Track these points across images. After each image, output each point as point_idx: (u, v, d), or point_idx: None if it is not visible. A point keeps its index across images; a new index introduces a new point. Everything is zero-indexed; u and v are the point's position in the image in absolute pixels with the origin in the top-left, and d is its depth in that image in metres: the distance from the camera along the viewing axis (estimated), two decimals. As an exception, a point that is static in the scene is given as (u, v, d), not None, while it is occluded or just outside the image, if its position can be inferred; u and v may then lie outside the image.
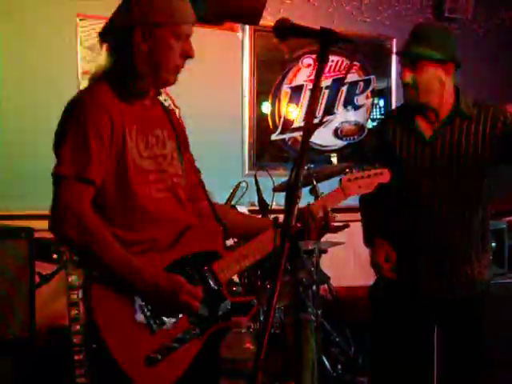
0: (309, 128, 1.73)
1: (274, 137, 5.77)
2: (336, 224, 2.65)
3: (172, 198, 2.46)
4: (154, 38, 2.37)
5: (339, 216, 2.69)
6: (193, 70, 5.18)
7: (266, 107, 5.73)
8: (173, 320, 2.32)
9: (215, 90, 5.48)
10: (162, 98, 5.13)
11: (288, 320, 3.79)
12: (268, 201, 4.16)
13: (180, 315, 2.33)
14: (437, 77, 3.14)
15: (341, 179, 2.78)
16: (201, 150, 5.15)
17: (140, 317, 2.27)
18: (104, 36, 2.47)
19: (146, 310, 2.28)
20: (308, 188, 4.51)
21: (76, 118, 2.28)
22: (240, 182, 4.00)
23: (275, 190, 4.30)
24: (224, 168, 5.29)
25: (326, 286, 5.39)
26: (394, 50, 6.17)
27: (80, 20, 4.79)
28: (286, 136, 5.82)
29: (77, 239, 2.21)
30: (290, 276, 3.83)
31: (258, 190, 3.98)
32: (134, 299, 2.27)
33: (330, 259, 5.48)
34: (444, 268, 3.27)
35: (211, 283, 2.42)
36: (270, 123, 5.76)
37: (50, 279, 3.77)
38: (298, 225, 1.94)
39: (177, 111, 5.33)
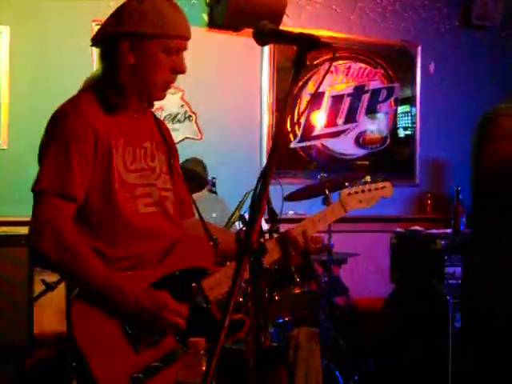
0: (278, 137, 1.64)
1: (293, 144, 5.68)
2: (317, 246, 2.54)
3: (160, 212, 2.38)
4: (142, 51, 2.29)
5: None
6: (210, 76, 5.28)
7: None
8: (158, 339, 2.24)
9: (233, 96, 5.43)
10: (178, 103, 5.18)
11: (293, 333, 3.69)
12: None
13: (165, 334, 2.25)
14: None
15: (340, 193, 2.67)
16: (218, 156, 5.19)
17: (123, 335, 2.19)
18: (95, 43, 2.41)
19: (128, 329, 2.20)
20: (321, 198, 4.44)
21: (58, 132, 2.23)
22: (248, 192, 3.91)
23: (286, 198, 4.22)
24: (241, 176, 5.22)
25: (344, 297, 5.31)
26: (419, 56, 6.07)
27: (96, 25, 4.76)
28: (306, 144, 5.72)
29: (55, 256, 2.15)
30: (300, 288, 3.75)
31: (268, 199, 3.89)
32: (116, 317, 2.19)
33: (349, 270, 5.39)
34: None
35: (200, 301, 2.33)
36: (290, 131, 5.66)
37: (55, 287, 3.73)
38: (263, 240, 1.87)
39: (193, 117, 5.29)
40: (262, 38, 1.86)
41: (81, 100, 2.30)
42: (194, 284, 2.34)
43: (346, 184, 2.69)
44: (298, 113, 5.63)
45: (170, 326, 2.22)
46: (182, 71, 2.36)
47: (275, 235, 2.52)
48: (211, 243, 2.46)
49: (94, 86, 2.34)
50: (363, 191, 2.69)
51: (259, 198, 1.53)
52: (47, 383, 3.60)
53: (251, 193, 3.92)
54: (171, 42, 2.30)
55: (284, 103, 1.71)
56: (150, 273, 2.29)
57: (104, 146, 2.25)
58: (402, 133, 6.17)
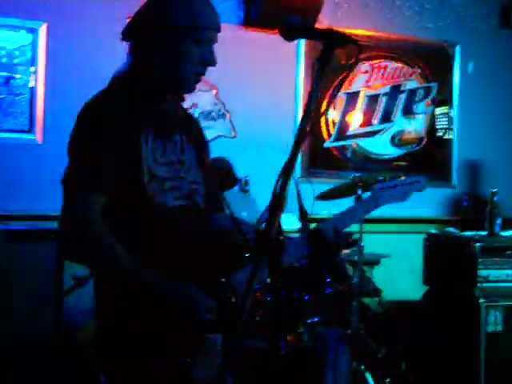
0: (301, 134, 1.62)
1: (327, 144, 5.64)
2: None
3: (189, 206, 2.36)
4: (172, 44, 2.27)
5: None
6: (245, 74, 5.26)
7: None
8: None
9: (268, 94, 5.40)
10: (212, 101, 5.18)
11: (322, 334, 3.66)
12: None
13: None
14: None
15: (373, 187, 2.69)
16: (252, 155, 5.17)
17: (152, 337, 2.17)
18: (125, 36, 2.40)
19: (158, 331, 2.16)
20: (353, 198, 4.40)
21: (88, 125, 2.20)
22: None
23: (318, 198, 4.19)
24: (275, 175, 5.20)
25: (377, 299, 5.26)
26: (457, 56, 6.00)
27: (130, 22, 4.79)
28: (340, 143, 5.68)
29: (85, 250, 2.14)
30: (331, 288, 3.72)
31: (299, 198, 3.87)
32: (146, 317, 2.16)
33: (383, 271, 5.34)
34: None
35: (229, 296, 2.29)
36: (324, 130, 5.63)
37: (85, 282, 3.75)
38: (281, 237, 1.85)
39: (228, 115, 5.28)
40: (288, 33, 1.84)
41: (112, 92, 2.29)
42: (223, 279, 2.31)
43: (379, 179, 2.70)
44: (333, 113, 5.63)
45: (198, 318, 2.18)
46: (213, 63, 2.33)
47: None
48: (241, 238, 2.44)
49: (123, 80, 2.33)
50: (395, 186, 2.71)
51: (279, 195, 1.51)
52: (74, 379, 3.61)
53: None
54: (201, 34, 2.27)
55: (308, 100, 1.68)
56: (179, 267, 2.24)
57: (134, 139, 2.23)
58: (439, 133, 6.10)
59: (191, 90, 2.38)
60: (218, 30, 2.34)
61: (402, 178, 2.77)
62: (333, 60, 1.78)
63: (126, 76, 2.32)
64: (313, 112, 1.64)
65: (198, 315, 2.17)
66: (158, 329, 2.15)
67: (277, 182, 1.55)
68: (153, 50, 2.27)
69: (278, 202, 1.49)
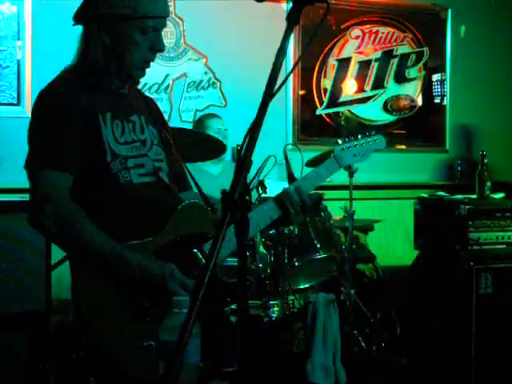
0: (266, 96, 1.62)
1: (319, 111, 5.62)
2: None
3: (154, 182, 2.37)
4: (115, 32, 2.26)
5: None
6: (235, 42, 5.22)
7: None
8: (164, 306, 2.23)
9: (258, 62, 5.36)
10: (202, 70, 5.16)
11: (311, 299, 3.69)
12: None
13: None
14: None
15: (333, 149, 2.73)
16: (243, 124, 5.12)
17: (130, 305, 2.18)
18: (76, 20, 2.38)
19: (135, 298, 2.18)
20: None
21: (45, 109, 2.23)
22: (269, 157, 3.88)
23: (307, 165, 4.18)
24: (266, 142, 5.19)
25: (371, 264, 5.28)
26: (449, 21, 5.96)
27: None
28: (332, 110, 5.67)
29: (57, 230, 2.13)
30: (319, 254, 3.74)
31: (288, 166, 3.86)
32: (121, 287, 2.17)
33: (378, 237, 5.36)
34: None
35: (202, 266, 2.29)
36: (316, 97, 5.61)
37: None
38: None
39: (218, 84, 5.27)
40: None
41: (66, 79, 2.30)
42: (194, 250, 2.32)
43: (339, 140, 2.74)
44: (324, 79, 5.61)
45: (174, 295, 2.20)
46: (161, 49, 2.33)
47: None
48: (210, 208, 2.45)
49: (73, 68, 2.33)
50: (356, 146, 2.75)
51: (244, 157, 1.50)
52: (63, 350, 3.63)
53: (271, 158, 3.93)
54: (146, 23, 2.26)
55: (276, 60, 1.68)
56: (150, 241, 2.27)
57: (91, 121, 2.24)
58: (431, 98, 6.08)
59: (140, 76, 2.38)
60: (165, 16, 2.32)
61: (360, 137, 2.78)
62: (299, 20, 1.76)
63: (78, 62, 2.32)
64: (278, 73, 1.63)
65: (175, 291, 2.18)
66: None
67: (242, 145, 1.55)
68: (101, 36, 2.26)
69: (242, 164, 1.48)
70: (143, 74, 2.36)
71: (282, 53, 1.64)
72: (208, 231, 2.37)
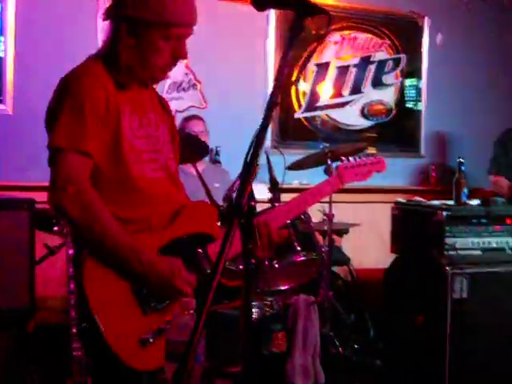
0: (272, 101, 1.66)
1: (297, 115, 5.67)
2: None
3: (166, 178, 2.41)
4: (141, 36, 2.27)
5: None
6: (216, 44, 5.25)
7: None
8: (166, 302, 2.26)
9: (239, 65, 5.42)
10: (183, 71, 5.17)
11: (291, 301, 3.73)
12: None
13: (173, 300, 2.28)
14: None
15: (337, 167, 2.88)
16: (222, 126, 5.18)
17: (132, 297, 2.21)
18: (106, 16, 2.39)
19: (138, 291, 2.22)
20: (323, 167, 4.46)
21: (70, 91, 2.23)
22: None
23: (288, 168, 4.24)
24: (246, 145, 5.22)
25: (345, 267, 5.34)
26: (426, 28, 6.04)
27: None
28: (310, 114, 5.72)
29: (76, 213, 2.14)
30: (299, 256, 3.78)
31: (270, 169, 3.90)
32: (127, 279, 2.20)
33: (352, 240, 5.41)
34: None
35: (205, 267, 2.35)
36: (295, 101, 5.66)
37: (57, 251, 3.76)
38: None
39: (198, 86, 5.29)
40: (259, 2, 1.85)
41: (92, 64, 2.31)
42: (199, 250, 2.36)
43: (343, 158, 2.86)
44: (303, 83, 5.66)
45: (179, 293, 2.24)
46: (183, 57, 2.34)
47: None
48: (216, 209, 2.50)
49: (101, 58, 2.34)
50: (359, 165, 2.92)
51: (251, 163, 1.54)
52: (48, 346, 3.64)
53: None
54: (171, 30, 2.27)
55: (279, 70, 1.71)
56: (157, 237, 2.30)
57: (114, 110, 2.26)
58: (407, 104, 6.16)
59: (161, 79, 2.43)
60: (192, 25, 2.33)
61: (364, 158, 2.95)
62: (303, 30, 1.80)
63: (106, 55, 2.33)
64: (283, 81, 1.67)
65: (179, 287, 2.22)
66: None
67: (248, 151, 1.59)
68: (121, 39, 2.28)
69: (249, 169, 1.52)
70: (165, 77, 2.41)
71: (285, 63, 1.67)
72: (213, 232, 2.43)
